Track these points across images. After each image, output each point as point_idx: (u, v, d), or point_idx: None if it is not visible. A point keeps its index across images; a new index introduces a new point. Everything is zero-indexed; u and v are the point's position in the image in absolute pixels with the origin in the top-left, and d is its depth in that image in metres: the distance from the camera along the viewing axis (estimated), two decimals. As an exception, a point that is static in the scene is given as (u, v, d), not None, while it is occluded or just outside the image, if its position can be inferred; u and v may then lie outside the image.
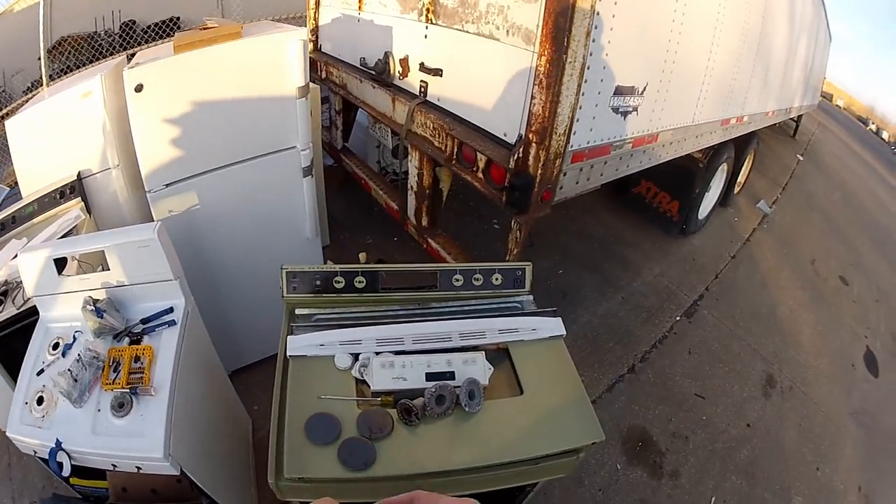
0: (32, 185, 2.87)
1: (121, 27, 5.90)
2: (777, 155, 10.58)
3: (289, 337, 1.84)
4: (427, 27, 3.28)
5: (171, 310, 2.05)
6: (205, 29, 2.67)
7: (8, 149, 2.91)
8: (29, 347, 1.97)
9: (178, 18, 6.06)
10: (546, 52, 2.41)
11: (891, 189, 14.63)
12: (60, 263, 2.00)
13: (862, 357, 5.17)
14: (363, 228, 5.17)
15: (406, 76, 3.61)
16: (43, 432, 1.74)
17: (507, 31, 2.70)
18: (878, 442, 4.20)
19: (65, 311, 2.00)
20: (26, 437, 1.75)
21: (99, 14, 5.78)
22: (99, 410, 1.76)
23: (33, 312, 2.07)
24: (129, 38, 5.77)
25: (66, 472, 1.72)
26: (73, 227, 2.59)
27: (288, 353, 1.78)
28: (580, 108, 2.67)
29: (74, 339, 1.95)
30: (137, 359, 1.85)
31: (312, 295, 2.06)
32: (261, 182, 2.89)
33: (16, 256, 2.11)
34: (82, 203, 2.75)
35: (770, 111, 6.69)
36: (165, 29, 5.90)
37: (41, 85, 5.03)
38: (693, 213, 5.91)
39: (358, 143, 5.21)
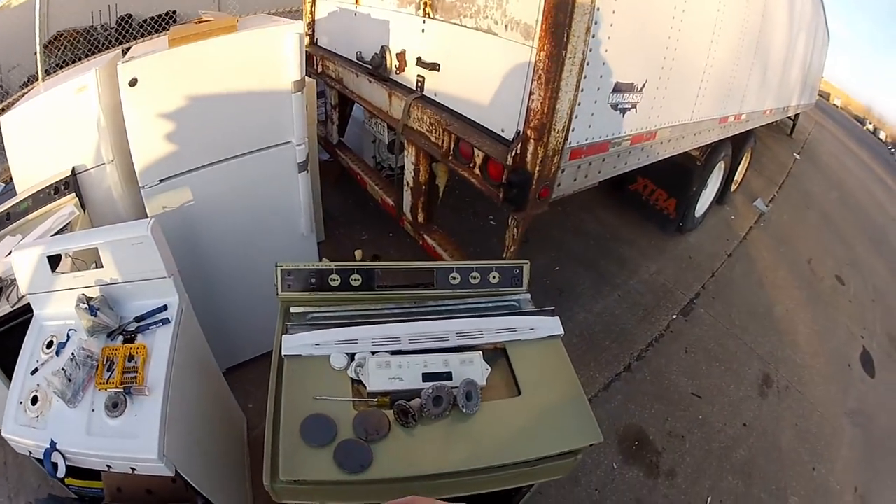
0: (27, 180, 2.84)
1: (117, 21, 5.86)
2: (774, 153, 10.58)
3: (283, 336, 1.81)
4: (424, 21, 3.25)
5: (164, 307, 2.03)
6: (200, 22, 2.64)
7: (2, 144, 2.87)
8: (23, 346, 1.95)
9: (174, 12, 6.02)
10: (545, 48, 2.38)
11: (888, 189, 14.68)
12: (54, 261, 1.97)
13: (858, 357, 5.17)
14: (359, 224, 5.14)
15: (403, 71, 3.57)
16: (38, 433, 1.72)
17: (506, 26, 2.67)
18: (875, 442, 4.20)
19: (59, 308, 1.97)
20: (21, 437, 1.73)
21: (95, 8, 5.75)
22: (93, 410, 1.74)
23: (28, 310, 2.05)
24: (126, 32, 5.74)
25: (61, 473, 1.70)
26: (68, 223, 2.56)
27: (283, 353, 1.76)
28: (579, 104, 2.64)
29: (68, 337, 1.93)
30: (131, 358, 1.83)
31: (307, 293, 2.03)
32: (256, 178, 2.86)
33: (9, 253, 2.08)
34: (76, 199, 2.72)
35: (768, 109, 6.68)
36: (162, 23, 5.86)
37: (37, 80, 4.99)
38: (690, 210, 5.90)
39: (354, 137, 5.19)
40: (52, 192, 2.71)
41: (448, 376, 1.72)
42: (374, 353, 1.79)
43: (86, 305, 1.85)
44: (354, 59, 4.02)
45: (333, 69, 4.43)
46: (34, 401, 1.77)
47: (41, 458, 1.69)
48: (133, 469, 1.72)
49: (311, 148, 3.39)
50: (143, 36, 5.68)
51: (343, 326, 1.89)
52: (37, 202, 2.69)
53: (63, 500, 2.04)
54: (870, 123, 34.99)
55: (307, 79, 3.06)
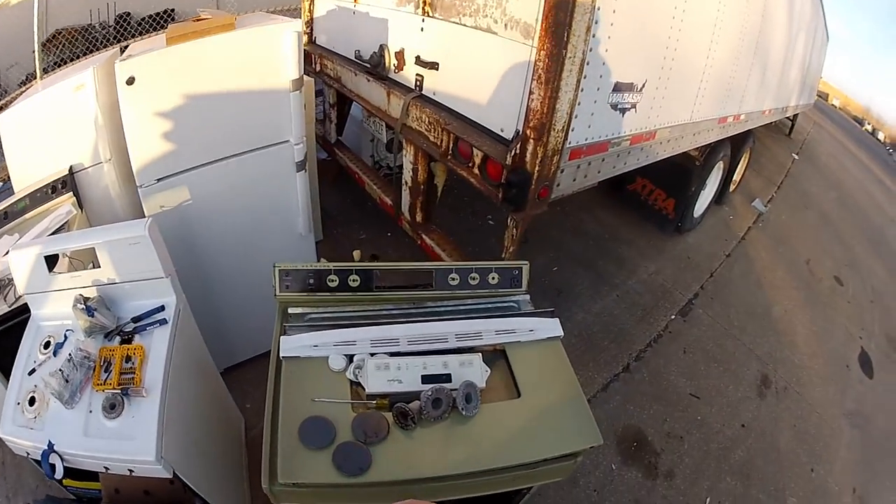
0: (25, 179, 2.82)
1: (116, 19, 5.84)
2: (772, 153, 10.58)
3: (282, 337, 1.80)
4: (423, 20, 3.23)
5: (162, 308, 2.01)
6: (198, 20, 2.62)
7: (0, 143, 2.86)
8: (20, 346, 1.93)
9: (172, 10, 5.99)
10: (545, 47, 2.37)
11: (886, 190, 14.69)
12: (51, 260, 1.95)
13: (857, 358, 5.17)
14: (357, 223, 5.13)
15: (401, 69, 3.56)
16: (35, 433, 1.71)
17: (506, 25, 2.66)
18: (873, 443, 4.20)
19: (56, 308, 1.96)
20: (19, 438, 1.72)
21: (94, 6, 5.72)
22: (90, 411, 1.73)
23: (25, 310, 2.03)
24: (124, 30, 5.71)
25: (59, 474, 1.69)
26: (65, 222, 2.55)
27: (281, 354, 1.75)
28: (579, 104, 2.63)
29: (65, 337, 1.92)
30: (129, 358, 1.81)
31: (306, 294, 2.02)
32: (254, 177, 2.85)
33: (7, 253, 2.07)
34: (74, 198, 2.70)
35: (767, 110, 6.68)
36: (160, 21, 5.83)
37: (36, 78, 4.97)
38: (689, 210, 5.89)
39: (352, 136, 5.17)
40: (50, 190, 2.69)
41: (447, 378, 1.71)
42: (372, 354, 1.78)
43: (83, 306, 1.84)
44: (353, 58, 4.01)
45: (332, 68, 4.42)
46: (32, 401, 1.76)
47: (39, 459, 1.68)
48: (131, 471, 1.71)
49: (309, 147, 3.37)
50: (141, 34, 5.65)
51: (341, 328, 1.88)
52: (34, 201, 2.68)
53: (61, 501, 2.04)
54: (868, 124, 34.99)
55: (305, 77, 3.04)
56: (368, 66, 3.76)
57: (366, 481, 1.46)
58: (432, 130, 3.20)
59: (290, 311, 1.99)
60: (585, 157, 3.00)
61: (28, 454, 1.75)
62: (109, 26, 5.79)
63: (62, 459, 1.68)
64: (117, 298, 2.00)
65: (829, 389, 4.56)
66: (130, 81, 2.27)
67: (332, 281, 2.03)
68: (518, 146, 2.63)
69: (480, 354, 1.83)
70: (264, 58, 2.62)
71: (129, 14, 5.87)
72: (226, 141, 2.70)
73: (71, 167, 2.76)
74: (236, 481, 2.58)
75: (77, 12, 5.56)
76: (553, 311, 2.08)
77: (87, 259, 2.04)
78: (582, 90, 2.59)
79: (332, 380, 1.71)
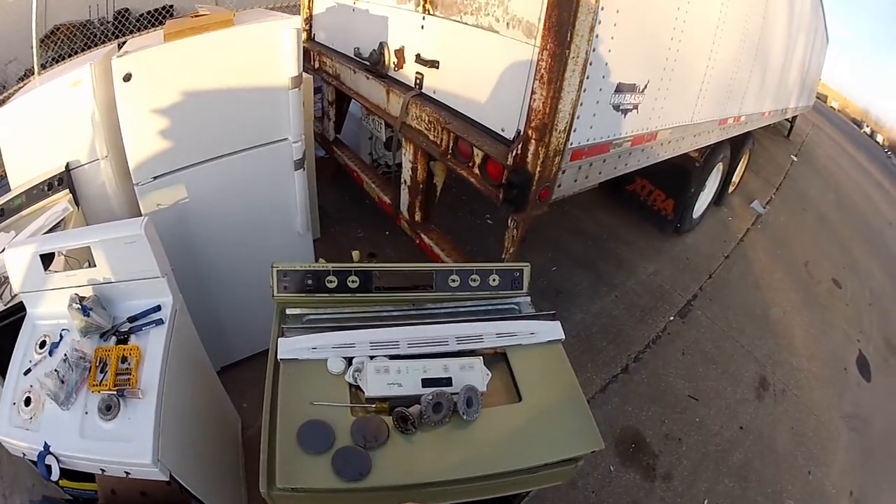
0: (21, 176, 2.78)
1: (114, 15, 5.81)
2: (771, 155, 10.58)
3: (280, 339, 1.78)
4: (424, 18, 3.21)
5: (158, 308, 1.99)
6: (196, 16, 2.60)
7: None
8: (16, 346, 1.91)
9: (171, 6, 5.96)
10: (548, 47, 2.35)
11: (885, 193, 14.72)
12: (47, 259, 1.93)
13: (854, 361, 5.17)
14: (355, 221, 5.11)
15: (401, 67, 3.54)
16: (31, 434, 1.69)
17: (508, 24, 2.63)
18: (870, 446, 4.20)
19: (52, 308, 1.93)
20: (15, 439, 1.70)
21: (93, 2, 5.69)
22: (86, 413, 1.70)
23: (21, 308, 2.01)
24: (123, 26, 5.68)
25: (55, 476, 1.67)
26: (61, 220, 2.52)
27: (279, 356, 1.73)
28: (581, 104, 2.61)
29: (61, 337, 1.89)
30: (124, 359, 1.79)
31: (304, 295, 2.00)
32: (251, 175, 2.82)
33: (2, 251, 2.04)
34: (70, 195, 2.67)
35: (766, 111, 6.68)
36: (159, 17, 5.80)
37: (33, 74, 4.94)
38: (688, 211, 5.89)
39: (350, 134, 5.15)
40: (46, 188, 2.66)
41: (448, 382, 1.68)
42: (372, 357, 1.76)
43: (78, 305, 1.81)
44: (352, 56, 3.98)
45: (331, 65, 4.39)
46: (28, 402, 1.73)
47: (35, 460, 1.66)
48: (127, 473, 1.69)
49: (308, 145, 3.35)
50: (140, 30, 5.62)
51: (340, 329, 1.86)
52: (30, 198, 2.64)
53: (57, 502, 2.01)
54: (867, 126, 34.97)
55: (304, 74, 3.02)
56: (368, 63, 3.74)
57: (366, 486, 1.44)
58: (432, 129, 3.18)
59: (289, 311, 1.96)
60: (587, 157, 2.98)
61: (24, 455, 1.73)
62: (108, 22, 5.76)
63: (58, 461, 1.65)
64: (113, 298, 1.97)
65: (826, 392, 4.56)
66: (127, 78, 2.25)
67: (331, 282, 2.00)
68: (519, 146, 2.61)
69: (481, 358, 1.81)
70: (263, 55, 2.59)
71: (127, 10, 5.84)
72: (223, 138, 2.67)
73: (67, 164, 2.73)
74: (233, 481, 2.56)
75: (76, 8, 5.54)
76: (554, 313, 2.06)
77: (82, 257, 2.01)
78: (584, 90, 2.57)
79: (330, 383, 1.69)
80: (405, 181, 3.68)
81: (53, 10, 5.23)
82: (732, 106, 4.98)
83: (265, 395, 1.66)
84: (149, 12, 5.80)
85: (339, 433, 1.53)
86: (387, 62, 3.64)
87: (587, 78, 2.55)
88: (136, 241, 1.88)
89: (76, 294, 1.86)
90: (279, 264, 1.99)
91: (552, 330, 2.00)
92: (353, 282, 2.02)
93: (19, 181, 2.76)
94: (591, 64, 2.52)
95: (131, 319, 1.95)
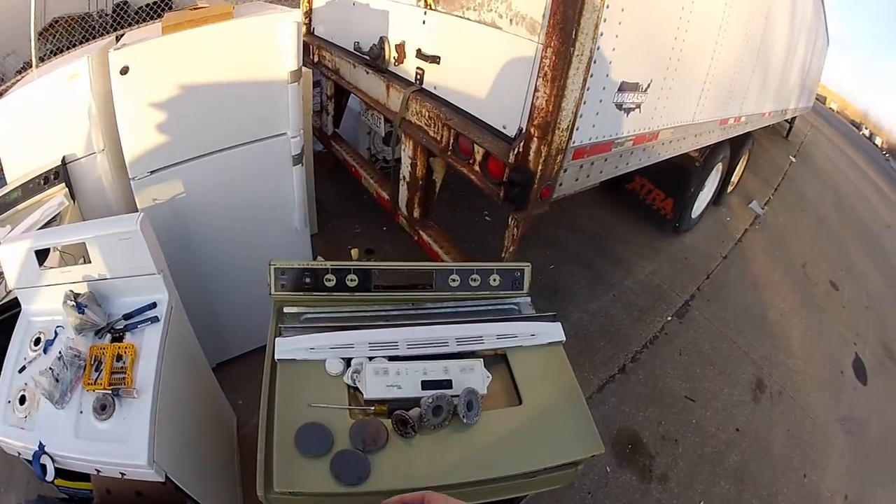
0: (18, 170, 2.74)
1: (114, 8, 5.76)
2: (770, 155, 10.59)
3: (277, 339, 1.75)
4: (426, 13, 3.17)
5: (154, 305, 1.96)
6: (195, 9, 2.56)
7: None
8: (11, 342, 1.89)
9: (170, -1, 5.93)
10: (553, 44, 2.32)
11: (883, 195, 14.77)
12: (42, 254, 1.90)
13: (851, 364, 5.18)
14: (353, 216, 5.09)
15: (402, 62, 3.50)
16: (26, 433, 1.66)
17: (511, 20, 2.60)
18: (866, 450, 4.21)
19: (47, 304, 1.90)
20: (9, 438, 1.68)
21: (92, -6, 5.65)
22: (81, 412, 1.68)
23: (16, 304, 1.98)
24: (122, 19, 5.63)
25: (50, 476, 1.64)
26: (57, 214, 2.49)
27: (276, 357, 1.70)
28: (584, 103, 2.59)
29: (56, 334, 1.87)
30: (120, 358, 1.76)
31: (302, 293, 1.96)
32: (249, 170, 2.79)
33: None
34: (66, 189, 2.64)
35: (767, 112, 6.68)
36: (158, 10, 5.74)
37: (32, 66, 4.90)
38: (687, 211, 5.89)
39: (349, 129, 5.12)
40: (42, 181, 2.62)
41: (448, 384, 1.66)
42: (371, 358, 1.73)
43: (73, 302, 1.78)
44: (352, 50, 3.94)
45: (330, 59, 4.35)
46: (22, 400, 1.71)
47: (30, 459, 1.64)
48: (122, 474, 1.66)
49: (306, 140, 3.31)
50: (139, 23, 5.57)
51: (339, 329, 1.83)
52: (26, 192, 2.61)
53: (52, 501, 1.99)
54: (866, 129, 35.04)
55: (303, 68, 2.98)
56: (368, 58, 3.70)
57: (364, 490, 1.42)
58: (432, 125, 3.15)
59: (286, 310, 1.93)
60: (589, 156, 2.96)
61: (19, 454, 1.71)
62: (107, 15, 5.71)
63: (53, 461, 1.63)
64: (108, 295, 1.95)
65: (823, 395, 4.56)
66: (124, 71, 2.21)
67: (330, 280, 1.97)
68: (521, 144, 2.58)
69: (482, 360, 1.78)
70: (262, 48, 2.56)
71: (126, 2, 5.79)
72: (221, 133, 2.64)
73: (64, 158, 2.69)
74: (228, 480, 2.54)
75: (75, 0, 5.48)
76: (555, 315, 2.04)
77: (78, 253, 1.98)
78: (588, 89, 2.55)
79: (329, 384, 1.66)
80: (404, 177, 3.65)
81: (52, 3, 5.19)
82: (733, 106, 4.98)
83: (262, 396, 1.63)
84: (148, 5, 5.74)
85: (338, 436, 1.50)
86: (387, 57, 3.60)
87: (591, 76, 2.52)
88: (131, 237, 1.85)
89: (71, 291, 1.82)
90: (277, 262, 1.95)
91: (553, 331, 1.98)
92: (351, 280, 1.99)
93: (16, 175, 2.73)
94: (595, 62, 2.50)
95: (126, 317, 1.92)
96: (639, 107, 3.14)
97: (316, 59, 4.57)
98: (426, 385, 1.65)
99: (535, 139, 2.52)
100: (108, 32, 5.38)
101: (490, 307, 2.11)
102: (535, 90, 2.45)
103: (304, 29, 4.58)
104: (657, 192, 5.87)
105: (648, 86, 3.12)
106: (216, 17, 2.44)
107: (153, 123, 2.40)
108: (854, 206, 11.03)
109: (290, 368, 1.68)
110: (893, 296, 7.26)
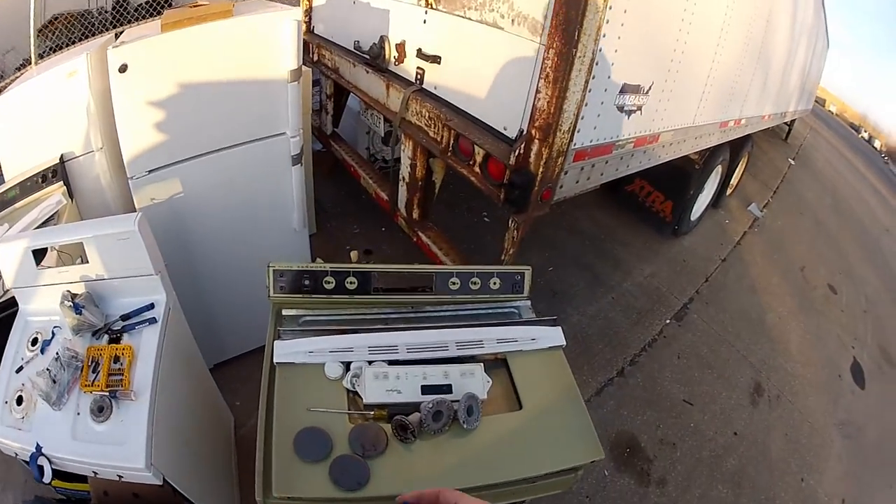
0: (16, 167, 2.72)
1: (113, 5, 5.73)
2: (769, 158, 10.60)
3: (276, 342, 1.73)
4: (426, 12, 3.15)
5: (151, 306, 1.94)
6: (195, 6, 2.54)
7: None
8: (8, 342, 1.87)
9: (171, -5, 5.90)
10: (555, 45, 2.30)
11: (881, 198, 14.80)
12: (40, 253, 1.88)
13: (849, 368, 5.19)
14: (351, 216, 5.07)
15: (402, 62, 3.48)
16: (23, 434, 1.65)
17: (513, 21, 2.59)
18: (863, 454, 4.21)
19: (44, 304, 1.89)
20: (7, 439, 1.66)
21: (92, -10, 5.63)
22: (78, 414, 1.67)
23: (14, 303, 1.96)
24: (122, 15, 5.60)
25: (48, 477, 1.62)
26: (55, 212, 2.47)
27: (275, 360, 1.68)
28: (586, 104, 2.58)
29: (53, 334, 1.85)
30: (117, 359, 1.75)
31: (301, 295, 1.95)
32: (248, 170, 2.77)
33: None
34: (64, 188, 2.62)
35: (767, 115, 6.68)
36: (159, 7, 5.72)
37: (30, 63, 4.88)
38: (686, 214, 5.89)
39: (348, 129, 5.10)
40: (40, 179, 2.60)
41: (448, 389, 1.65)
42: (370, 362, 1.72)
43: (70, 303, 1.77)
44: (352, 49, 3.92)
45: (329, 58, 4.33)
46: (19, 401, 1.70)
47: (27, 460, 1.62)
48: (119, 476, 1.65)
49: (305, 140, 3.30)
50: (139, 20, 5.54)
51: (338, 332, 1.82)
52: (24, 190, 2.59)
53: (49, 502, 1.98)
54: (865, 131, 35.11)
55: (303, 67, 2.97)
56: (368, 57, 3.68)
57: (364, 496, 1.40)
58: (432, 126, 3.13)
59: (285, 312, 1.91)
60: (590, 158, 2.95)
61: (17, 455, 1.69)
62: (107, 12, 5.68)
63: (50, 462, 1.62)
64: (106, 295, 1.93)
65: (821, 399, 4.56)
66: (123, 69, 2.19)
67: (329, 283, 1.95)
68: (522, 146, 2.57)
69: (482, 364, 1.77)
70: (262, 47, 2.54)
71: (126, -1, 5.76)
72: (220, 132, 2.62)
73: (62, 156, 2.67)
74: (226, 481, 2.53)
75: (75, -4, 5.46)
76: (555, 319, 2.03)
77: (76, 252, 1.97)
78: (590, 91, 2.54)
79: (328, 388, 1.65)
80: (403, 178, 3.63)
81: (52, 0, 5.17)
82: (734, 108, 4.97)
83: (261, 399, 1.61)
84: (147, 2, 5.72)
85: (337, 441, 1.48)
86: (387, 56, 3.58)
87: (593, 78, 2.51)
88: (129, 237, 1.84)
89: (68, 291, 1.81)
90: (275, 264, 1.94)
91: (553, 336, 1.97)
92: (351, 283, 1.97)
93: (14, 172, 2.71)
94: (597, 64, 2.49)
95: (124, 318, 1.90)
96: (640, 109, 3.12)
97: (315, 58, 4.55)
98: (426, 390, 1.64)
99: (537, 141, 2.51)
100: (107, 29, 5.35)
101: (490, 311, 2.10)
102: (537, 91, 2.44)
103: (303, 27, 4.56)
104: (656, 195, 5.87)
105: (650, 88, 3.10)
106: (216, 14, 2.42)
107: (152, 122, 2.39)
108: (853, 210, 11.06)
109: (288, 372, 1.67)
110: (891, 300, 7.28)
